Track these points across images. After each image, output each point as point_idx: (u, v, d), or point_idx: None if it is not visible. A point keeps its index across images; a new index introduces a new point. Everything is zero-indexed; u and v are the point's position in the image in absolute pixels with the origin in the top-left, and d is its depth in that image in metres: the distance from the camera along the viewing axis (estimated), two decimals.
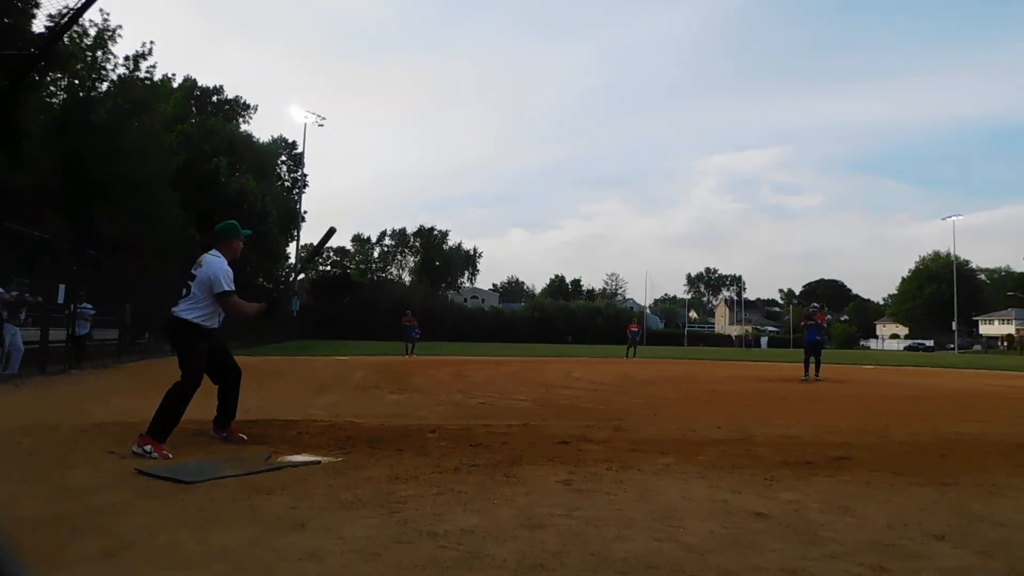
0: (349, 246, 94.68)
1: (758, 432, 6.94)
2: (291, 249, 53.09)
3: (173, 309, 5.42)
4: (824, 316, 17.60)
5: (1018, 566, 2.91)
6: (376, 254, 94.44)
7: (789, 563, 2.89)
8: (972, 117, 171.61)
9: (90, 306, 14.67)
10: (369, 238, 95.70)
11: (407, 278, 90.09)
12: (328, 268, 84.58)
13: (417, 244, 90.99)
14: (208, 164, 36.97)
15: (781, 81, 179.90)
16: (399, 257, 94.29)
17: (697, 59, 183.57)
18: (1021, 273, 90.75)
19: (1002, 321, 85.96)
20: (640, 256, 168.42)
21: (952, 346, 73.56)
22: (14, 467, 4.51)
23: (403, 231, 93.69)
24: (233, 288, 5.46)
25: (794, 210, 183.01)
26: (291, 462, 4.84)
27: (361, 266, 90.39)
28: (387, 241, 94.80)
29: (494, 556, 2.90)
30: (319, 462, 4.85)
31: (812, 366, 16.25)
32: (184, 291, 5.47)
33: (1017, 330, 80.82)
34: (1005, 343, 78.64)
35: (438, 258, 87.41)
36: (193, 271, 5.52)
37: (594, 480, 4.44)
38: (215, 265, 5.43)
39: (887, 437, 6.76)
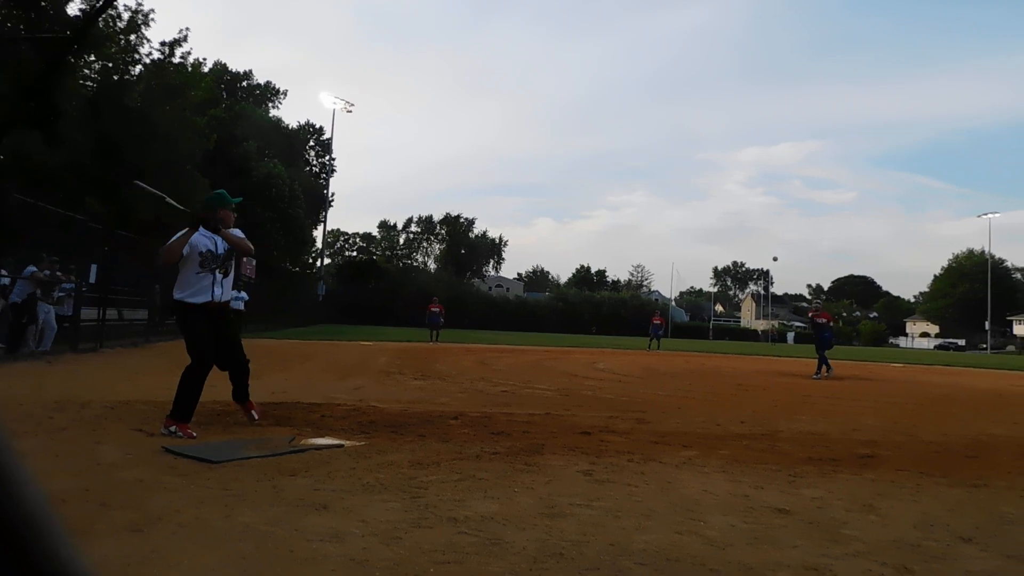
0: (375, 232, 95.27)
1: (783, 427, 6.88)
2: (318, 233, 53.57)
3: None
4: (819, 313, 17.39)
5: None
6: (402, 241, 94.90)
7: (811, 560, 2.86)
8: (1011, 112, 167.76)
9: (69, 282, 12.99)
10: (395, 225, 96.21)
11: (432, 265, 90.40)
12: (354, 253, 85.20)
13: (443, 232, 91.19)
14: (237, 148, 37.33)
15: (816, 75, 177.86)
16: (425, 244, 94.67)
17: (728, 50, 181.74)
18: None
19: None
20: (667, 248, 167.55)
21: (984, 346, 72.19)
22: (47, 442, 4.60)
23: (429, 218, 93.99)
24: (181, 251, 5.30)
25: (826, 205, 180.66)
26: (314, 445, 4.89)
27: (387, 252, 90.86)
28: (413, 228, 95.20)
29: (513, 543, 2.91)
30: (342, 445, 4.90)
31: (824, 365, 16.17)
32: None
33: None
34: None
35: (463, 246, 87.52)
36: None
37: (615, 471, 4.43)
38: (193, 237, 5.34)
39: (915, 436, 6.65)
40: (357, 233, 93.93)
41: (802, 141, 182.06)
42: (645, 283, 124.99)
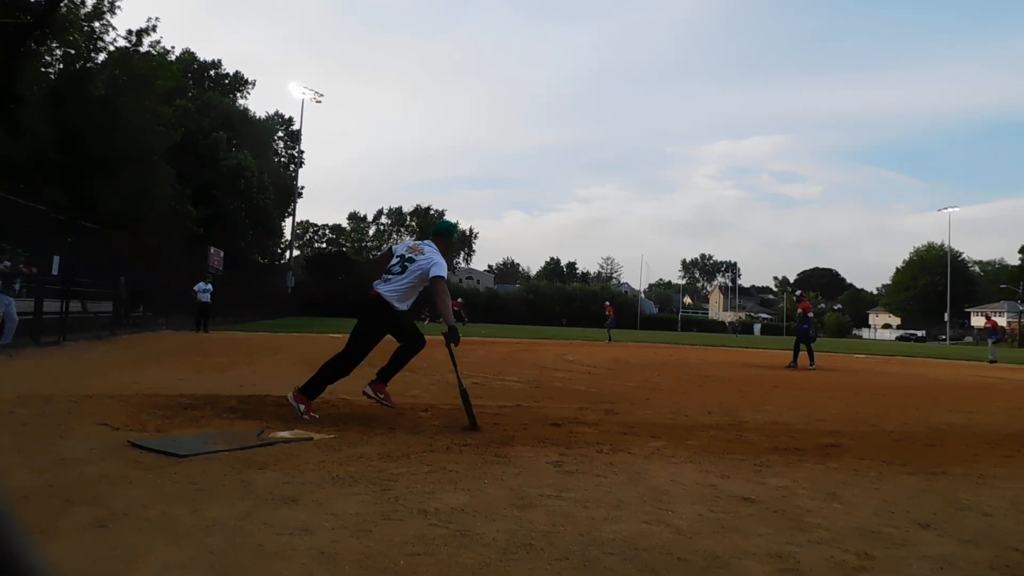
0: (345, 224, 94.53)
1: (749, 418, 6.98)
2: (287, 225, 53.02)
3: (377, 286, 5.87)
4: (799, 304, 17.39)
5: (1002, 555, 2.94)
6: (372, 232, 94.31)
7: (776, 547, 2.92)
8: (973, 110, 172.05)
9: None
10: (365, 216, 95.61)
11: None
12: (324, 245, 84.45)
13: (413, 223, 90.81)
14: (206, 139, 36.74)
15: (785, 69, 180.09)
16: (395, 236, 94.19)
17: (700, 45, 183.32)
18: (1014, 266, 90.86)
19: (994, 313, 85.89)
20: (636, 241, 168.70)
21: (944, 337, 73.91)
22: (8, 437, 4.51)
23: (399, 210, 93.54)
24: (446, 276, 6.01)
25: (793, 199, 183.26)
26: (283, 438, 4.85)
27: (357, 244, 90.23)
28: (383, 220, 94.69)
29: (484, 534, 2.92)
30: (311, 438, 4.86)
31: (802, 354, 16.30)
32: (393, 272, 5.90)
33: (1009, 322, 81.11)
34: (996, 335, 78.90)
35: None
36: (405, 254, 5.96)
37: (585, 462, 4.47)
38: (436, 255, 5.95)
39: (877, 426, 6.80)
40: (327, 225, 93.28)
41: (771, 135, 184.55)
42: (615, 275, 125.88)
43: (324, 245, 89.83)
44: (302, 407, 5.60)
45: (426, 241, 6.15)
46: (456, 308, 28.77)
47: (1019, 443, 5.97)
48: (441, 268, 5.87)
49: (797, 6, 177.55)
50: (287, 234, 54.70)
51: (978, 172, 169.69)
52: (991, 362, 23.76)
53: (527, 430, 5.61)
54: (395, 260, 5.95)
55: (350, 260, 75.02)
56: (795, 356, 16.39)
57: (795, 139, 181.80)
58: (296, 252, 69.67)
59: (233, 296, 30.46)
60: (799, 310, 17.05)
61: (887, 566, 2.78)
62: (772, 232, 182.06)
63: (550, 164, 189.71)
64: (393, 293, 5.79)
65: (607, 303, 36.00)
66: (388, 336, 5.98)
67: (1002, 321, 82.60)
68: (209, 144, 36.86)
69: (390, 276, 5.86)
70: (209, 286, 21.87)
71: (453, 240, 6.51)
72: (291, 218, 52.73)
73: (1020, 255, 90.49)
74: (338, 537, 2.81)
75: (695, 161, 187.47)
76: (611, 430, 5.83)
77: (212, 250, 29.50)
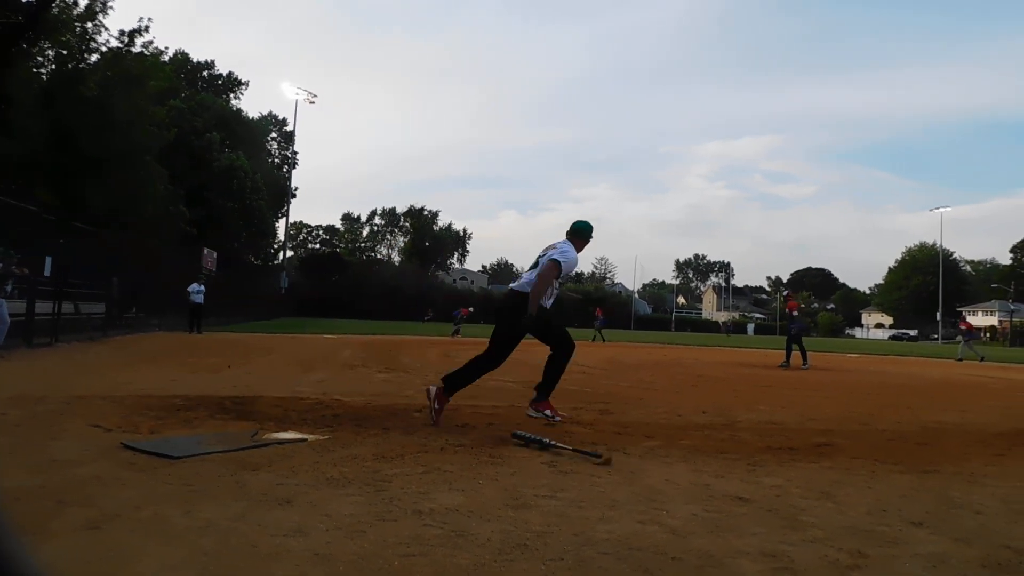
0: (339, 225, 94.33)
1: (743, 418, 7.00)
2: (281, 225, 52.92)
3: (512, 285, 6.13)
4: (788, 303, 17.66)
5: (993, 553, 2.96)
6: (365, 233, 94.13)
7: (769, 547, 2.92)
8: (964, 110, 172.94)
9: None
10: (359, 217, 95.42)
11: (396, 258, 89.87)
12: (317, 246, 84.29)
13: (407, 224, 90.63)
14: (200, 140, 36.64)
15: (777, 70, 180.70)
16: (389, 237, 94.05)
17: (693, 45, 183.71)
18: (1006, 266, 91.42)
19: (985, 313, 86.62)
20: (630, 241, 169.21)
21: (936, 336, 74.25)
22: (0, 439, 4.49)
23: (393, 211, 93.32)
24: (562, 267, 6.01)
25: (786, 199, 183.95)
26: (277, 439, 4.84)
27: (350, 245, 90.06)
28: (377, 220, 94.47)
29: (478, 535, 2.92)
30: (305, 439, 4.85)
31: (795, 353, 16.36)
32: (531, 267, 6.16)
33: (1000, 322, 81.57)
34: (988, 334, 79.38)
35: (428, 238, 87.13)
36: (541, 254, 6.18)
37: (579, 462, 4.46)
38: (564, 246, 6.10)
39: (870, 425, 6.83)
40: (320, 225, 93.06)
41: (763, 135, 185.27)
42: (609, 275, 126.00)
43: (318, 246, 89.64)
44: (548, 411, 5.99)
45: (562, 240, 6.27)
46: (465, 315, 30.06)
47: (1010, 441, 6.01)
48: (560, 254, 5.94)
49: (789, 7, 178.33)
50: (280, 235, 54.62)
51: (969, 172, 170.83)
52: (959, 360, 24.17)
53: (521, 430, 5.60)
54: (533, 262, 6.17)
55: (343, 261, 74.92)
56: (787, 356, 16.44)
57: (787, 139, 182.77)
58: (290, 253, 69.54)
59: (226, 297, 30.38)
60: (787, 310, 17.22)
61: (880, 564, 2.79)
62: (765, 232, 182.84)
63: (544, 164, 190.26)
64: (525, 285, 5.91)
65: (597, 309, 36.61)
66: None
67: (993, 320, 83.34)
68: (202, 145, 36.75)
69: (524, 274, 6.06)
70: (202, 287, 21.81)
71: (590, 238, 6.51)
72: (285, 219, 52.74)
73: (1011, 254, 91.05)
74: (332, 538, 2.81)
75: (687, 161, 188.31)
76: (605, 430, 5.84)
77: (205, 251, 29.42)
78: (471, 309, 31.15)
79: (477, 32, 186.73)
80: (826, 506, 3.64)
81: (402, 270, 77.53)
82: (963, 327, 28.07)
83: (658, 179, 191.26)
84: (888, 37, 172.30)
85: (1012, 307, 76.79)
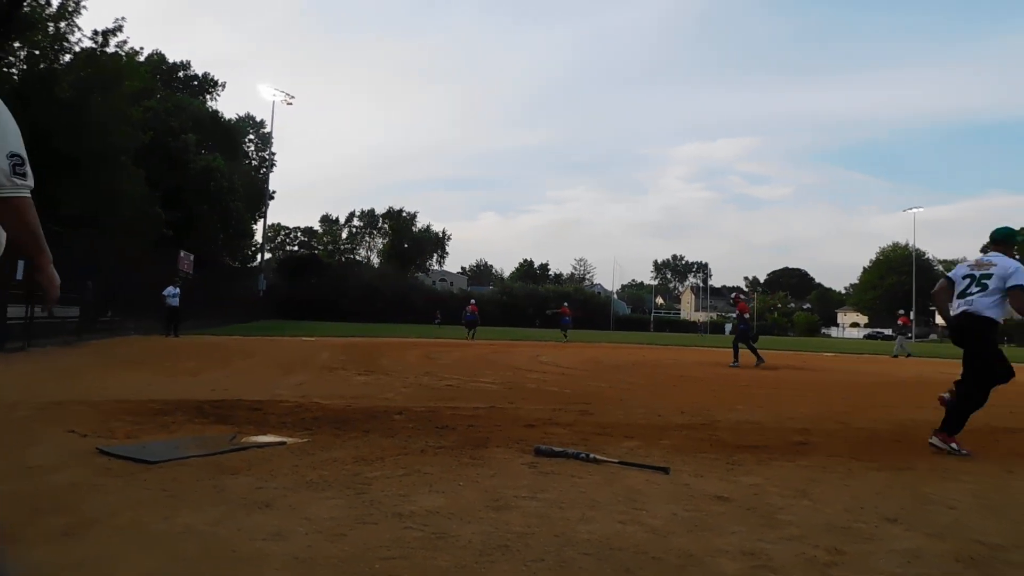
0: (317, 227, 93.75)
1: (721, 417, 7.06)
2: (258, 228, 52.48)
3: (966, 308, 5.65)
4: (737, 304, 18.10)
5: (966, 547, 3.01)
6: (344, 235, 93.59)
7: (748, 545, 2.96)
8: (938, 113, 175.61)
9: None
10: (337, 219, 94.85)
11: (376, 260, 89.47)
12: (296, 248, 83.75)
13: (386, 226, 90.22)
14: (176, 141, 36.22)
15: (754, 72, 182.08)
16: (367, 238, 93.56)
17: (671, 47, 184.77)
18: None
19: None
20: (609, 242, 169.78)
21: (910, 335, 75.19)
22: None
23: (372, 212, 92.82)
24: None
25: (762, 200, 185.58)
26: (256, 443, 4.81)
27: (329, 247, 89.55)
28: (355, 222, 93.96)
29: (459, 537, 2.93)
30: (285, 443, 4.83)
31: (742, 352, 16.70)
32: (976, 288, 5.67)
33: None
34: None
35: (407, 240, 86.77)
36: (975, 273, 5.74)
37: (559, 463, 4.48)
38: (1007, 260, 5.68)
39: (846, 423, 6.92)
40: (298, 227, 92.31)
41: (740, 137, 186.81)
42: (588, 276, 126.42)
43: (296, 248, 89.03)
44: (953, 445, 5.43)
45: (989, 254, 5.89)
46: (474, 311, 30.17)
47: (981, 438, 6.11)
48: (1020, 274, 5.51)
49: (767, 9, 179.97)
50: (259, 237, 54.13)
51: (942, 174, 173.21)
52: (894, 356, 24.81)
53: (502, 432, 5.62)
54: (964, 282, 5.79)
55: (322, 263, 74.44)
56: (735, 355, 16.77)
57: (764, 141, 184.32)
58: (268, 255, 69.00)
59: (204, 299, 30.09)
60: (737, 311, 17.65)
61: (857, 561, 2.83)
62: (742, 233, 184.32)
63: (523, 165, 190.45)
64: (985, 304, 5.57)
65: (564, 304, 35.98)
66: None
67: None
68: (179, 146, 36.30)
69: (971, 296, 5.66)
70: (178, 290, 21.58)
71: (1017, 243, 6.13)
72: (263, 221, 52.24)
73: (981, 254, 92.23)
74: (313, 542, 2.80)
75: (666, 163, 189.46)
76: (585, 430, 5.86)
77: (182, 253, 29.07)
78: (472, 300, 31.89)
79: (455, 33, 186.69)
80: (803, 504, 3.69)
81: (381, 272, 77.20)
82: (900, 322, 28.18)
83: (637, 181, 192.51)
84: (863, 40, 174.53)
85: None
